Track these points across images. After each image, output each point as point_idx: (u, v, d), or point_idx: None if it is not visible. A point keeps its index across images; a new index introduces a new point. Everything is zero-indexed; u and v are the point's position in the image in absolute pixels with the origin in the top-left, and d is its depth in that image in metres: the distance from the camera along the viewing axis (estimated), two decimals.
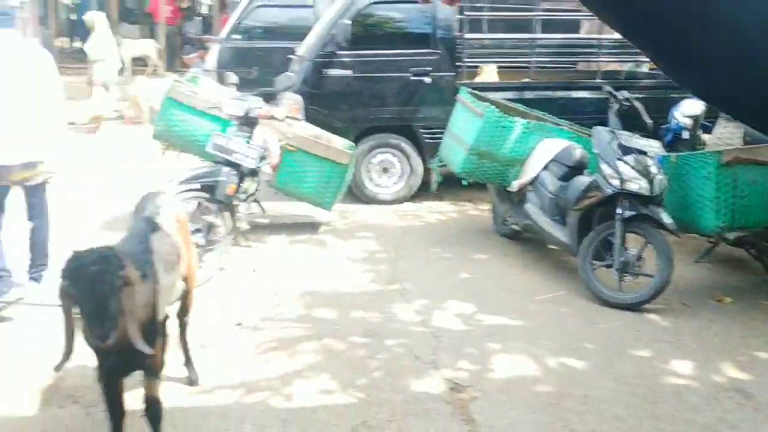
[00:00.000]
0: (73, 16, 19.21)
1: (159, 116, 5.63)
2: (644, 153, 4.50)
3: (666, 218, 4.41)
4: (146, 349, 2.35)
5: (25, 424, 2.99)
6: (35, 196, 4.14)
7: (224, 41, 9.16)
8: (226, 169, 4.73)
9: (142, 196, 3.11)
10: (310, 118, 6.21)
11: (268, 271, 4.92)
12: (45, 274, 4.19)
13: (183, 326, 3.24)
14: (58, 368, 2.39)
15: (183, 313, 3.20)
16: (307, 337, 3.89)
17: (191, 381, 3.31)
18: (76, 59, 14.48)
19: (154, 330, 2.53)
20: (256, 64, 8.70)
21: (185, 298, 3.12)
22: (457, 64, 6.84)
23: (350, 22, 6.50)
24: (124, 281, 2.26)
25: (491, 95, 5.92)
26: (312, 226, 5.97)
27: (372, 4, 6.70)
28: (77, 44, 17.02)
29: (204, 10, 18.16)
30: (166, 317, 2.85)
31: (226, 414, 3.09)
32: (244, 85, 7.74)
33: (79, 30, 16.71)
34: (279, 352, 3.70)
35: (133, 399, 2.69)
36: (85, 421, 3.00)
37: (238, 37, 9.08)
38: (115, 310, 2.22)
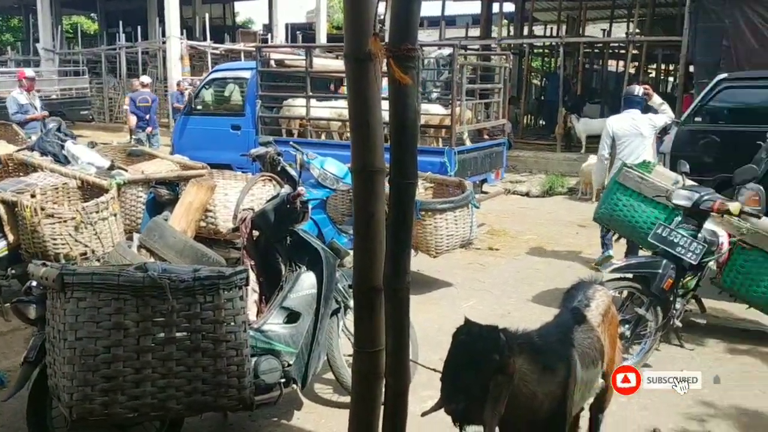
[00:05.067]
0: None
1: (603, 199, 5.70)
2: None
3: None
4: None
5: None
6: None
7: (683, 123, 8.75)
8: (664, 261, 4.50)
9: (574, 284, 3.16)
10: None
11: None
12: None
13: (596, 423, 3.17)
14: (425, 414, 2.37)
15: (598, 409, 3.13)
16: None
17: None
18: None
19: (561, 423, 2.52)
20: (716, 149, 8.12)
21: (603, 395, 3.04)
22: None
23: None
24: (500, 369, 2.26)
25: None
26: (760, 337, 5.18)
27: None
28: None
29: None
30: (581, 410, 2.82)
31: None
32: (702, 171, 7.25)
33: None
34: None
35: None
36: None
37: (699, 119, 8.59)
38: (476, 390, 2.23)
